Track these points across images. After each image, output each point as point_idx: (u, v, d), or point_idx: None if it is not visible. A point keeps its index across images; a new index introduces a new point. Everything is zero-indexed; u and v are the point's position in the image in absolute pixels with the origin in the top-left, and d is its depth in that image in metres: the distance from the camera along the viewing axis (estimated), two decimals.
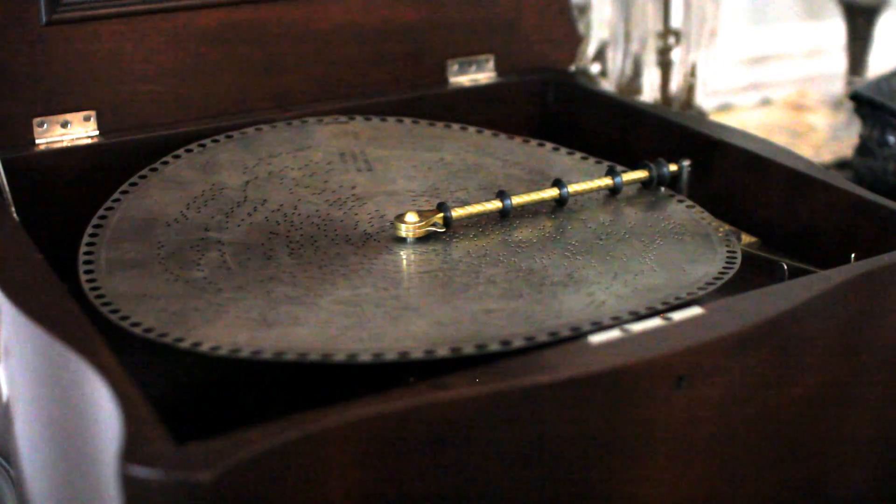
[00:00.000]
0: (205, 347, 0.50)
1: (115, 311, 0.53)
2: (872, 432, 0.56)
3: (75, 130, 0.68)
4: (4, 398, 0.56)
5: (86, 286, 0.55)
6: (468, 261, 0.59)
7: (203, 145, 0.69)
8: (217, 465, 0.40)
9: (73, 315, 0.49)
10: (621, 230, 0.63)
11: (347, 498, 0.43)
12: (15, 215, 0.62)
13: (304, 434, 0.41)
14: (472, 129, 0.74)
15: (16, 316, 0.50)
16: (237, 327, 0.52)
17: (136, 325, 0.52)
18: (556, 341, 0.50)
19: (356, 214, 0.64)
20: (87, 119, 0.68)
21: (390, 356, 0.49)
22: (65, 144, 0.67)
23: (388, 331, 0.52)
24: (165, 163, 0.67)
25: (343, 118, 0.73)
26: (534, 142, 0.72)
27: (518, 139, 0.72)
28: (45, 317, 0.48)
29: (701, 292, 0.55)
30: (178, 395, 0.56)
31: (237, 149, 0.69)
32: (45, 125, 0.67)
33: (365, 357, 0.49)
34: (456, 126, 0.74)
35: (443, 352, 0.49)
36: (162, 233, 0.61)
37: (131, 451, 0.40)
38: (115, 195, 0.64)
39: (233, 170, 0.67)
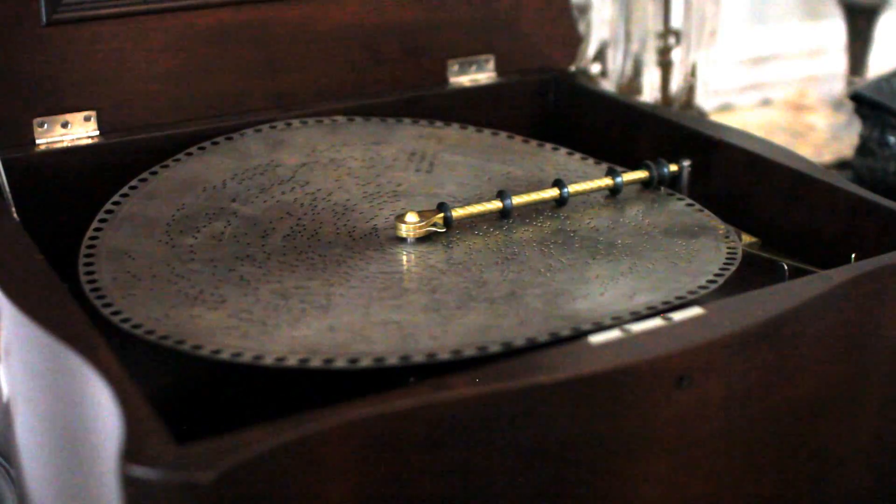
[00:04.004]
0: (117, 318, 0.51)
1: (89, 264, 0.54)
2: (872, 432, 0.56)
3: (76, 131, 0.68)
4: (4, 398, 0.56)
5: (90, 232, 0.57)
6: (439, 267, 0.58)
7: (289, 124, 0.70)
8: (217, 465, 0.40)
9: (73, 315, 0.49)
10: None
11: (347, 498, 0.43)
12: (15, 215, 0.62)
13: (304, 434, 0.41)
14: (563, 149, 0.72)
15: (16, 316, 0.50)
16: (165, 302, 0.53)
17: (92, 281, 0.53)
18: (556, 341, 0.50)
19: (380, 210, 0.63)
20: (87, 119, 0.68)
21: (245, 357, 0.49)
22: (65, 144, 0.67)
23: (279, 329, 0.51)
24: (243, 134, 0.68)
25: (440, 123, 0.73)
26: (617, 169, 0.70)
27: (604, 165, 0.70)
28: (45, 317, 0.48)
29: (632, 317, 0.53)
30: (178, 394, 0.56)
31: (316, 133, 0.69)
32: (46, 125, 0.67)
33: (224, 355, 0.49)
34: (548, 146, 0.72)
35: (292, 361, 0.49)
36: (192, 196, 0.61)
37: (132, 451, 0.40)
38: (179, 155, 0.65)
39: (298, 151, 0.67)
